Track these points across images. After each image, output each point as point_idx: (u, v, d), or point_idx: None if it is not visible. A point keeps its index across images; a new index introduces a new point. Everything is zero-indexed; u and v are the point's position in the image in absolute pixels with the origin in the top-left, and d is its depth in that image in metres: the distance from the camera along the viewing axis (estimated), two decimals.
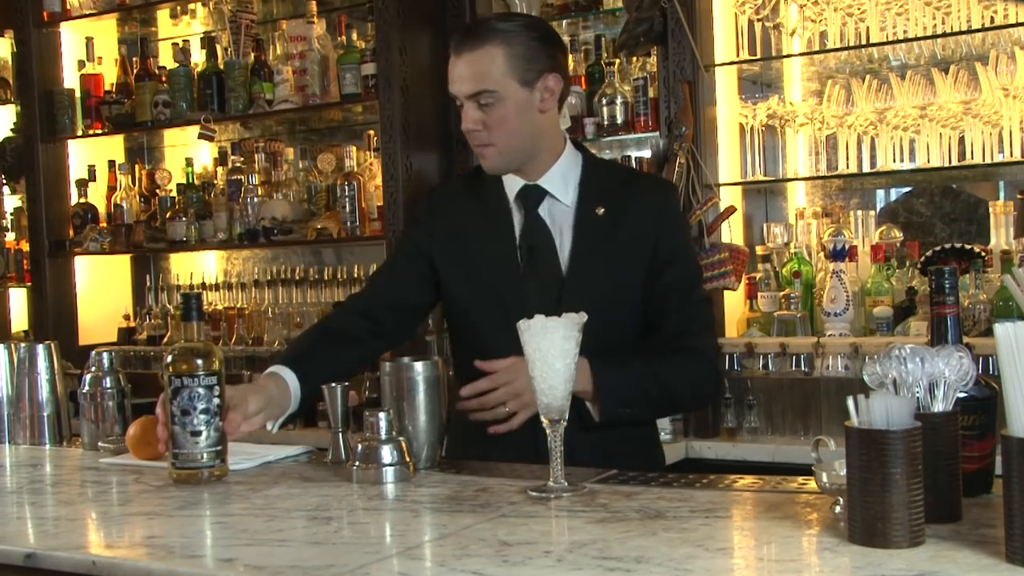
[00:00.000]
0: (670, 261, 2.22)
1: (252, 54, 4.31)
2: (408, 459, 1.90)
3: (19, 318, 5.01)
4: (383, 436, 1.89)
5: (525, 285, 2.22)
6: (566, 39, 3.88)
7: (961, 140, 3.38)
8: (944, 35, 3.33)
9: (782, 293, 3.51)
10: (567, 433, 1.77)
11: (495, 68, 2.15)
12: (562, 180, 2.26)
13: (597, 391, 2.10)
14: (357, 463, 1.89)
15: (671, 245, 2.23)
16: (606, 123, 3.72)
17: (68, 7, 4.69)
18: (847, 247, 3.40)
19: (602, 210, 2.23)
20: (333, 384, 2.06)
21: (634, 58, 3.71)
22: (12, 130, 4.90)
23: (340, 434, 2.08)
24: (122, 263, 4.90)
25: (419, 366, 2.01)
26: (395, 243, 2.24)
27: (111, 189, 4.74)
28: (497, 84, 2.15)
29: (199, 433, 1.93)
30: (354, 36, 4.08)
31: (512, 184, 2.28)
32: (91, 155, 4.79)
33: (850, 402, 1.40)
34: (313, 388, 2.13)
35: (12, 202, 5.07)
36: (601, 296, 2.17)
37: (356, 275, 4.26)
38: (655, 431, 2.41)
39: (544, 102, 2.21)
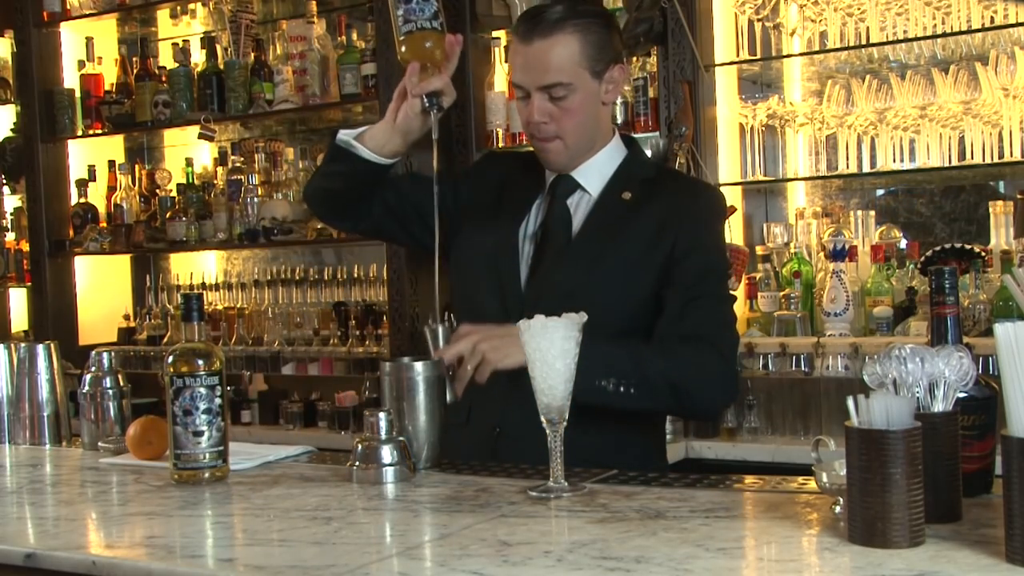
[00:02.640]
0: (688, 254, 2.11)
1: (252, 54, 4.31)
2: (408, 459, 1.90)
3: (19, 318, 5.01)
4: (383, 436, 1.89)
5: (521, 262, 2.18)
6: None
7: (961, 140, 3.38)
8: (944, 35, 3.34)
9: (782, 293, 3.51)
10: (568, 437, 1.74)
11: (570, 58, 2.08)
12: (598, 172, 2.20)
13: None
14: (357, 463, 1.89)
15: (692, 239, 2.12)
16: None
17: (68, 7, 4.70)
18: (847, 247, 3.40)
19: (628, 195, 2.17)
20: (435, 324, 2.04)
21: (634, 58, 3.71)
22: (12, 130, 4.91)
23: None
24: (122, 263, 4.90)
25: (419, 366, 2.01)
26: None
27: (111, 189, 4.74)
28: (572, 75, 2.09)
29: (201, 433, 1.93)
30: (354, 36, 4.08)
31: (548, 176, 2.24)
32: (91, 155, 4.79)
33: (850, 402, 1.40)
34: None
35: (12, 202, 5.08)
36: (612, 275, 2.11)
37: (356, 275, 4.26)
38: (659, 436, 2.32)
39: (608, 94, 2.16)
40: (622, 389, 1.99)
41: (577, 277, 2.13)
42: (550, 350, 1.72)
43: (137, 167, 4.76)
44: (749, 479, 1.82)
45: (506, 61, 2.24)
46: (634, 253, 2.13)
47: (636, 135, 3.69)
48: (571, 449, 1.76)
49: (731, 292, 2.29)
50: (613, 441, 2.10)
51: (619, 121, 3.69)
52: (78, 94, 4.72)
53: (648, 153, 3.64)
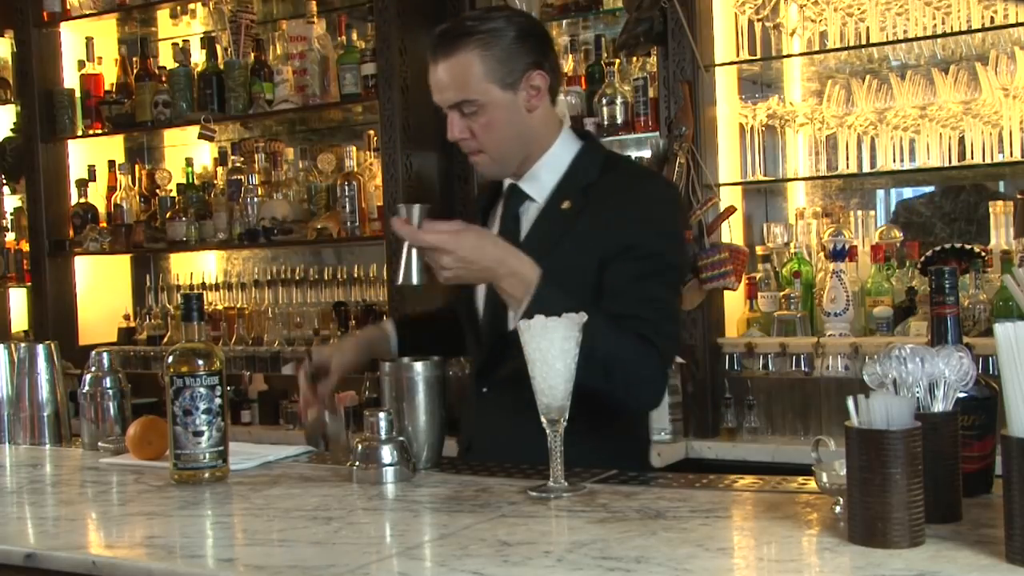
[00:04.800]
0: (623, 255, 2.03)
1: (252, 54, 4.31)
2: (408, 459, 1.90)
3: (19, 318, 5.01)
4: (383, 436, 1.89)
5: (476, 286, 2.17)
6: (566, 39, 3.89)
7: (961, 140, 3.38)
8: (944, 35, 3.33)
9: (782, 293, 3.51)
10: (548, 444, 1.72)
11: (473, 75, 2.04)
12: (541, 179, 2.16)
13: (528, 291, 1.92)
14: (357, 463, 1.89)
15: (630, 241, 2.04)
16: (606, 123, 3.72)
17: (68, 7, 4.70)
18: (847, 247, 3.40)
19: (567, 204, 2.12)
20: (412, 204, 1.93)
21: (634, 58, 3.71)
22: (12, 130, 4.90)
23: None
24: (122, 263, 4.90)
25: (419, 366, 2.01)
26: None
27: (111, 189, 4.74)
28: (477, 92, 2.05)
29: (201, 433, 1.93)
30: (354, 36, 4.08)
31: (505, 183, 2.24)
32: (91, 155, 4.79)
33: (850, 402, 1.40)
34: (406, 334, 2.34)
35: (12, 202, 5.07)
36: None
37: (356, 275, 4.26)
38: (643, 441, 2.26)
39: (532, 100, 2.10)
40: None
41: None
42: (550, 350, 1.72)
43: (137, 167, 4.76)
44: (749, 479, 1.82)
45: (549, 63, 2.21)
46: (572, 264, 2.05)
47: (636, 135, 3.71)
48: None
49: (677, 288, 2.22)
50: (588, 451, 1.96)
51: (619, 121, 3.70)
52: (78, 94, 4.72)
53: (648, 153, 3.67)
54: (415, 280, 1.93)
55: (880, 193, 3.79)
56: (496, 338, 2.12)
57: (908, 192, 3.74)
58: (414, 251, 1.92)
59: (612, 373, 1.93)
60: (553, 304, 1.80)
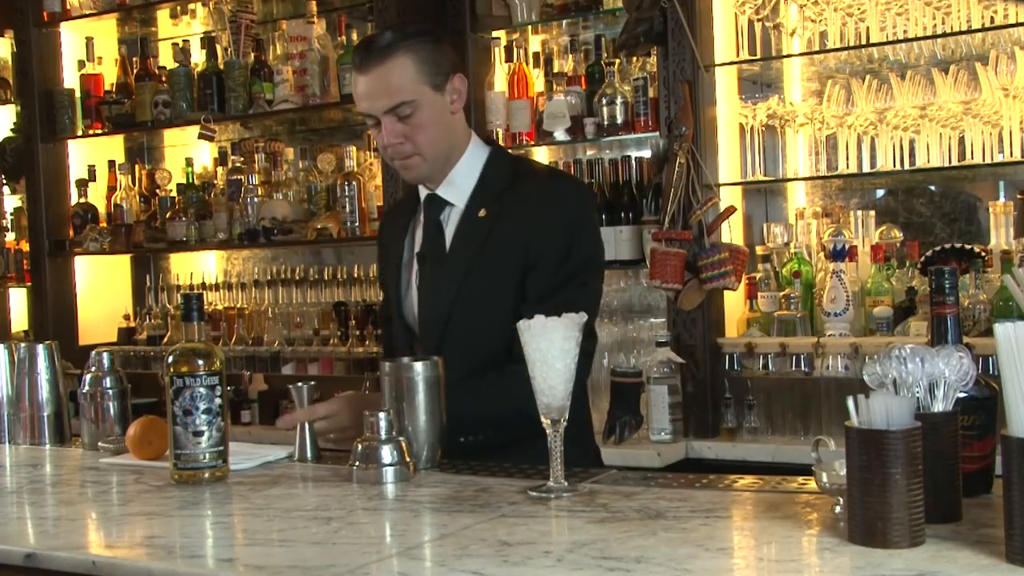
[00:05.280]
0: (537, 261, 2.16)
1: (252, 54, 4.31)
2: (408, 459, 1.90)
3: (19, 318, 5.01)
4: (383, 436, 1.89)
5: (411, 294, 2.28)
6: (566, 39, 3.89)
7: (961, 140, 3.38)
8: (944, 35, 3.33)
9: (782, 293, 3.51)
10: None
11: (407, 77, 2.16)
12: (458, 184, 2.26)
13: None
14: (357, 463, 1.89)
15: (544, 244, 2.17)
16: (606, 123, 3.72)
17: (68, 7, 4.70)
18: (847, 247, 3.40)
19: (483, 212, 2.22)
20: (299, 383, 2.13)
21: (634, 58, 3.71)
22: (12, 130, 4.90)
23: (307, 431, 2.13)
24: (122, 263, 4.90)
25: (419, 366, 2.01)
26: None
27: (111, 189, 4.74)
28: (413, 92, 2.16)
29: (201, 433, 1.93)
30: (354, 36, 4.07)
31: (422, 193, 2.31)
32: (91, 155, 4.79)
33: (850, 402, 1.40)
34: None
35: (12, 202, 5.07)
36: (478, 300, 2.18)
37: (356, 275, 4.26)
38: (586, 436, 2.33)
39: (454, 103, 2.24)
40: (481, 437, 2.12)
41: (452, 290, 2.21)
42: (550, 350, 1.72)
43: (137, 167, 4.76)
44: (749, 479, 1.82)
45: (462, 72, 2.26)
46: (494, 270, 2.19)
47: (636, 135, 3.71)
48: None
49: (596, 292, 2.28)
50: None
51: (619, 121, 3.70)
52: (78, 94, 4.72)
53: (648, 153, 3.67)
54: (309, 456, 2.13)
55: (880, 193, 3.79)
56: (440, 324, 2.22)
57: (899, 192, 3.74)
58: (307, 429, 2.13)
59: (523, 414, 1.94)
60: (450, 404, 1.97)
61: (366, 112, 2.21)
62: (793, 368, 3.39)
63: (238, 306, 4.49)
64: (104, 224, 4.70)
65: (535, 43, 3.99)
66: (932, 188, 3.69)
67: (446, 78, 2.20)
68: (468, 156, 2.27)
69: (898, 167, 3.46)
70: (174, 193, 4.63)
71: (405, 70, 2.16)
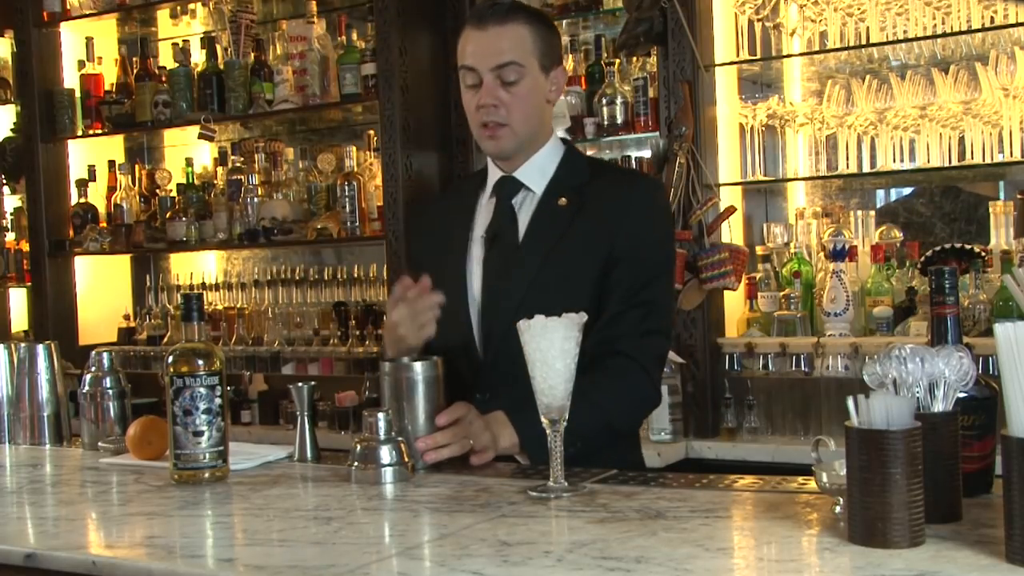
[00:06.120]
0: (623, 257, 2.14)
1: (252, 54, 4.31)
2: (407, 459, 1.90)
3: (19, 318, 5.01)
4: (382, 436, 1.89)
5: (474, 273, 2.21)
6: (566, 39, 3.89)
7: (961, 140, 3.38)
8: (944, 35, 3.33)
9: (782, 293, 3.51)
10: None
11: (524, 44, 2.16)
12: (539, 171, 2.24)
13: (523, 443, 2.01)
14: (356, 463, 1.89)
15: (630, 241, 2.15)
16: (606, 123, 3.72)
17: (68, 7, 4.70)
18: (847, 247, 3.40)
19: (564, 200, 2.20)
20: (299, 383, 2.11)
21: (634, 58, 3.71)
22: (12, 130, 4.90)
23: (307, 431, 2.12)
24: (122, 263, 4.90)
25: (418, 366, 2.01)
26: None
27: (111, 189, 4.74)
28: (524, 59, 2.15)
29: (201, 433, 1.93)
30: (354, 36, 4.08)
31: (493, 176, 2.28)
32: (91, 155, 4.79)
33: (850, 402, 1.40)
34: None
35: (12, 202, 5.07)
36: (554, 288, 2.14)
37: (356, 275, 4.26)
38: (634, 445, 2.30)
39: (552, 93, 2.23)
40: (572, 451, 1.98)
41: (528, 276, 2.17)
42: (550, 350, 1.72)
43: (137, 167, 4.76)
44: (749, 479, 1.82)
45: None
46: (574, 259, 2.17)
47: (636, 135, 3.71)
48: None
49: (673, 287, 2.36)
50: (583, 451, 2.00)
51: (619, 121, 3.70)
52: (78, 94, 4.72)
53: (648, 153, 3.68)
54: (309, 456, 2.12)
55: (880, 193, 3.79)
56: (497, 341, 2.15)
57: (899, 192, 3.74)
58: (307, 427, 2.12)
59: (612, 424, 2.12)
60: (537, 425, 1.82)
61: (471, 66, 2.17)
62: (793, 368, 3.39)
63: (238, 306, 4.49)
64: (104, 224, 4.70)
65: None
66: (932, 188, 3.69)
67: (553, 65, 2.21)
68: (549, 147, 2.26)
69: (898, 167, 3.46)
70: (174, 193, 4.63)
71: (523, 37, 2.16)
